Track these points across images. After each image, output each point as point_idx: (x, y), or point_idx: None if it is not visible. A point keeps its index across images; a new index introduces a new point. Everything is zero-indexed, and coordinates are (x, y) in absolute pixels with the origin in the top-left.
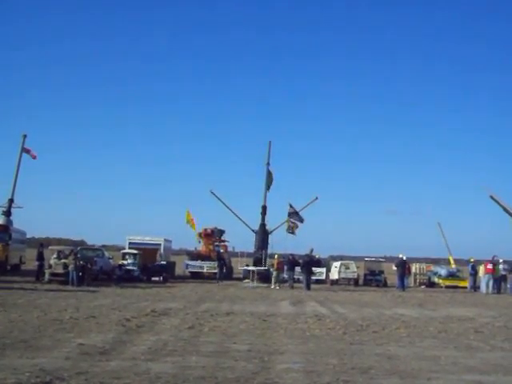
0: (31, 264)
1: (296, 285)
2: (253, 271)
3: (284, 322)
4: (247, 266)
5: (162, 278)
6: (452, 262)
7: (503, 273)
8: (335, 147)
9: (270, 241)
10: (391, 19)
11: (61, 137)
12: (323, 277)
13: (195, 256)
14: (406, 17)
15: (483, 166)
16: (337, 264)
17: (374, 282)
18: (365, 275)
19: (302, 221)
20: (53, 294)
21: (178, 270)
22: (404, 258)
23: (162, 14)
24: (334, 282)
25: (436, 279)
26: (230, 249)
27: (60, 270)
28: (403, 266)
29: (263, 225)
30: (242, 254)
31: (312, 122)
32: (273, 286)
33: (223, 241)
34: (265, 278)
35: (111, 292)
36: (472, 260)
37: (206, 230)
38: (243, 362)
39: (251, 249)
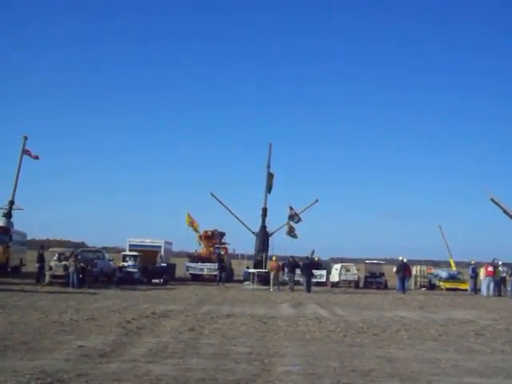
0: (32, 266)
1: (296, 287)
2: (253, 273)
3: (284, 324)
4: (248, 268)
5: (162, 280)
6: (453, 264)
7: (503, 275)
8: (336, 150)
9: (270, 243)
10: (390, 25)
11: (62, 140)
12: (324, 279)
13: (195, 258)
14: (404, 23)
15: (483, 169)
16: (337, 266)
17: (375, 285)
18: (365, 277)
19: (298, 221)
20: (53, 295)
21: (179, 272)
22: (404, 261)
23: (162, 19)
24: (335, 285)
25: (437, 282)
26: (230, 251)
27: (60, 272)
28: (404, 269)
29: (264, 227)
30: (243, 257)
31: (313, 126)
32: (272, 289)
33: (223, 243)
34: (265, 280)
35: (111, 294)
36: (473, 262)
37: (206, 232)
38: (243, 364)
39: (252, 251)
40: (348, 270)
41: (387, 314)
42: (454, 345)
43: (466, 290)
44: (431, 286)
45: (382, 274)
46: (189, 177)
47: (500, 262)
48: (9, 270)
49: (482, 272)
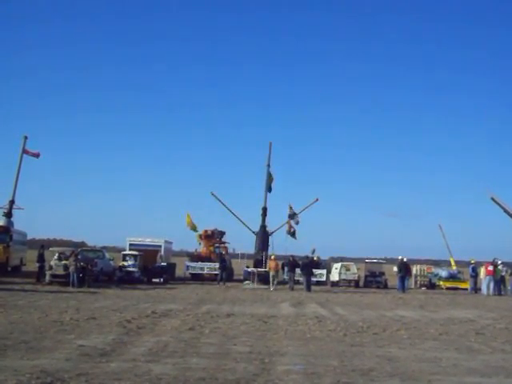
0: (32, 265)
1: (296, 286)
2: (253, 273)
3: (284, 323)
4: (248, 267)
5: (162, 280)
6: (453, 263)
7: (503, 274)
8: (336, 149)
9: (270, 242)
10: (390, 24)
11: (62, 139)
12: (324, 278)
13: (196, 257)
14: (403, 22)
15: (484, 168)
16: (337, 265)
17: (375, 284)
18: (365, 277)
19: (297, 223)
20: (53, 295)
21: (179, 272)
22: (405, 260)
23: (163, 19)
24: (335, 284)
25: (437, 281)
26: (230, 250)
27: (61, 272)
28: (404, 268)
29: (264, 226)
30: (243, 256)
31: (313, 125)
32: (272, 288)
33: (223, 242)
34: (265, 279)
35: (112, 293)
36: (473, 262)
37: (206, 231)
38: (244, 363)
39: (252, 250)
40: (348, 270)
41: (387, 314)
42: (454, 344)
43: (466, 289)
44: (431, 286)
45: (382, 274)
46: (189, 176)
47: (500, 262)
48: (9, 269)
49: (482, 271)
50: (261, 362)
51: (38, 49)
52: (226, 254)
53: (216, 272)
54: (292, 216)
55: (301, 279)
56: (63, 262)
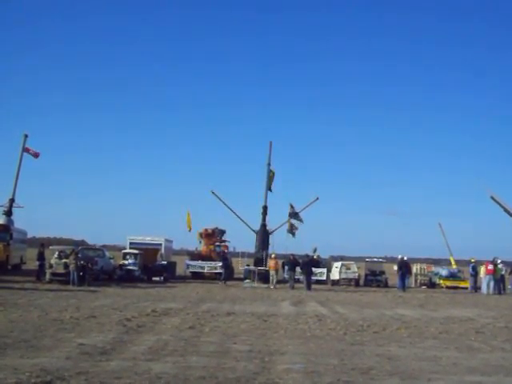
0: (32, 264)
1: (297, 285)
2: (253, 271)
3: (285, 322)
4: (248, 266)
5: (162, 278)
6: (453, 262)
7: (502, 273)
8: (336, 148)
9: (270, 241)
10: (388, 23)
11: (62, 137)
12: (324, 277)
13: (196, 256)
14: (404, 21)
15: (484, 167)
16: (337, 264)
17: (375, 283)
18: (365, 276)
19: (301, 221)
20: (53, 293)
21: (179, 270)
22: (405, 259)
23: (165, 17)
24: (335, 283)
25: (437, 280)
26: (230, 249)
27: (61, 270)
28: (404, 267)
29: (264, 225)
30: (243, 255)
31: (313, 124)
32: (272, 287)
33: (224, 241)
34: (265, 278)
35: (112, 292)
36: (473, 260)
37: (206, 230)
38: (244, 362)
39: (252, 249)
40: (348, 268)
41: (387, 312)
42: (454, 343)
43: (466, 288)
44: (431, 284)
45: (383, 272)
46: (190, 175)
47: (500, 261)
48: (9, 267)
49: (482, 270)
50: (261, 360)
51: (37, 48)
52: (226, 252)
53: (217, 271)
54: (293, 215)
55: (301, 278)
56: (63, 260)
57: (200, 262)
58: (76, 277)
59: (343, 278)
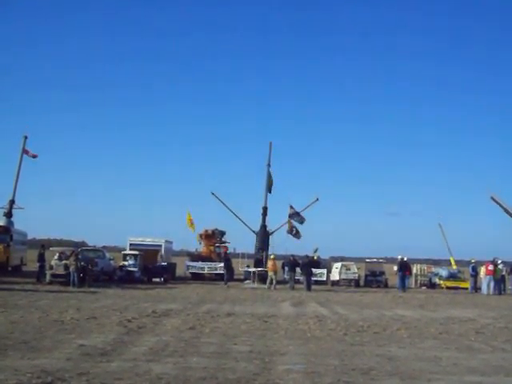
0: (32, 265)
1: (297, 286)
2: (253, 272)
3: (285, 323)
4: (248, 267)
5: (162, 279)
6: (453, 263)
7: (503, 274)
8: (336, 148)
9: (270, 242)
10: (390, 20)
11: (62, 138)
12: (324, 278)
13: (196, 257)
14: (404, 19)
15: (484, 167)
16: (337, 265)
17: (375, 283)
18: (366, 276)
19: (302, 222)
20: (54, 295)
21: (179, 271)
22: (405, 259)
23: (163, 14)
24: (335, 283)
25: (437, 280)
26: (230, 250)
27: (61, 271)
28: (404, 267)
29: (264, 226)
30: (243, 256)
31: (312, 123)
32: (267, 287)
33: (224, 242)
34: (265, 279)
35: (112, 293)
36: (473, 261)
37: (206, 231)
38: (244, 362)
39: (252, 250)
40: (348, 269)
41: (387, 313)
42: (454, 343)
43: (467, 288)
44: (431, 285)
45: (383, 273)
46: (190, 176)
47: (500, 261)
48: (9, 269)
49: (482, 271)
50: (261, 361)
51: (36, 45)
52: (224, 253)
53: (217, 272)
54: (294, 216)
55: (301, 279)
56: (64, 261)
57: (200, 263)
58: (76, 278)
59: (343, 279)
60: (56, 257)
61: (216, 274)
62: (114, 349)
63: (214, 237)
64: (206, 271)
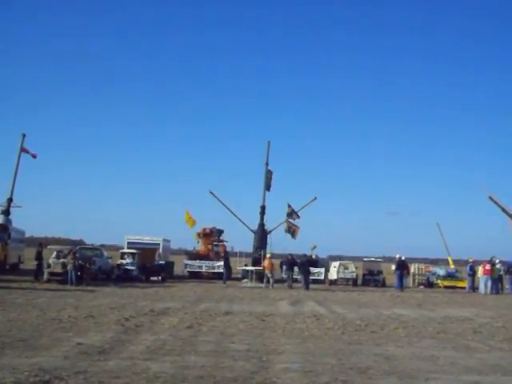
0: (30, 263)
1: (295, 285)
2: (251, 271)
3: (282, 321)
4: (246, 265)
5: (160, 278)
6: (451, 262)
7: (500, 273)
8: (335, 147)
9: (268, 241)
10: (389, 19)
11: (60, 136)
12: (322, 277)
13: (194, 256)
14: (405, 17)
15: (482, 167)
16: (335, 264)
17: (373, 282)
18: (363, 275)
19: (297, 217)
20: (51, 293)
21: (177, 270)
22: (403, 259)
23: (160, 13)
24: (333, 282)
25: (435, 280)
26: (228, 249)
27: (59, 270)
28: (402, 267)
29: (262, 225)
30: (241, 254)
31: (311, 122)
32: (264, 286)
33: (222, 240)
34: (263, 278)
35: (110, 291)
36: (471, 260)
37: (204, 229)
38: (242, 361)
39: (250, 249)
40: (346, 268)
41: (385, 312)
42: (451, 342)
43: (464, 288)
44: (429, 284)
45: (380, 272)
46: (188, 174)
47: (497, 260)
48: (7, 267)
49: (480, 270)
50: (259, 360)
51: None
52: (224, 252)
53: (215, 270)
54: (290, 215)
55: (299, 277)
56: (61, 260)
57: (198, 261)
58: (74, 276)
59: (341, 278)
60: (54, 255)
61: (214, 273)
62: (111, 347)
63: (211, 235)
64: (203, 270)
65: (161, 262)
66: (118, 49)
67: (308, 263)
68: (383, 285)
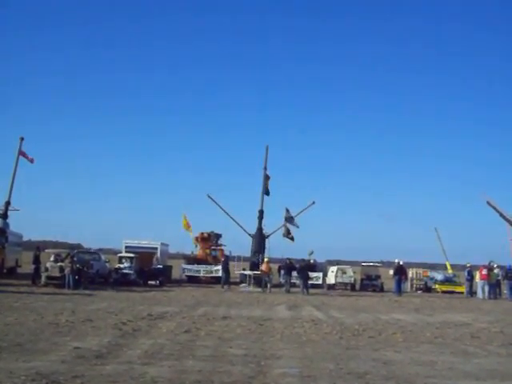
0: (27, 267)
1: (293, 289)
2: (249, 275)
3: (280, 326)
4: (244, 270)
5: (158, 282)
6: (449, 267)
7: (498, 278)
8: (333, 152)
9: (267, 245)
10: (391, 28)
11: (58, 141)
12: (320, 281)
13: (192, 260)
14: (403, 24)
15: (480, 173)
16: (333, 269)
17: (371, 287)
18: (361, 280)
19: (296, 226)
20: (49, 297)
21: (175, 274)
22: (401, 263)
23: (161, 23)
24: (331, 287)
25: (433, 284)
26: (226, 253)
27: (56, 274)
28: (400, 272)
29: (260, 229)
30: (239, 259)
31: (309, 128)
32: (262, 290)
33: (220, 245)
34: (261, 282)
35: (107, 295)
36: (469, 265)
37: (202, 234)
38: (239, 366)
39: (248, 253)
40: (344, 273)
41: (383, 317)
42: (449, 347)
43: (462, 292)
44: (427, 289)
45: (378, 277)
46: (186, 178)
47: (495, 265)
48: (4, 271)
49: (477, 275)
50: (256, 364)
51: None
52: (222, 256)
53: (213, 275)
54: (289, 220)
55: (297, 282)
56: (59, 263)
57: (196, 265)
58: (71, 280)
59: (339, 283)
60: (51, 259)
61: (212, 277)
62: (109, 352)
63: (210, 240)
64: (201, 274)
65: (159, 266)
66: (119, 59)
67: (307, 268)
68: (381, 289)
